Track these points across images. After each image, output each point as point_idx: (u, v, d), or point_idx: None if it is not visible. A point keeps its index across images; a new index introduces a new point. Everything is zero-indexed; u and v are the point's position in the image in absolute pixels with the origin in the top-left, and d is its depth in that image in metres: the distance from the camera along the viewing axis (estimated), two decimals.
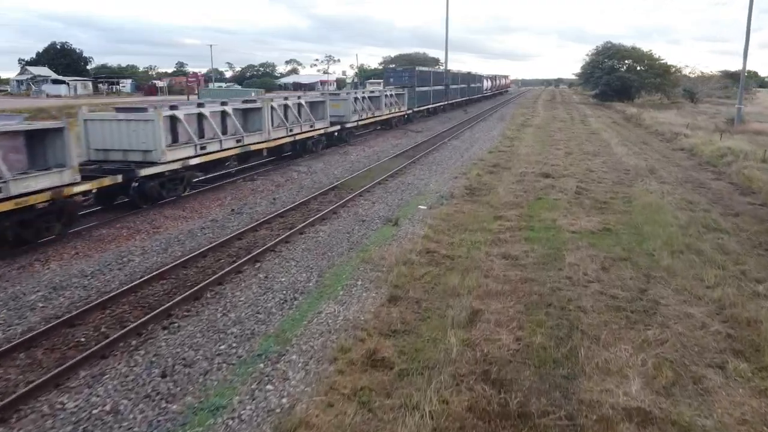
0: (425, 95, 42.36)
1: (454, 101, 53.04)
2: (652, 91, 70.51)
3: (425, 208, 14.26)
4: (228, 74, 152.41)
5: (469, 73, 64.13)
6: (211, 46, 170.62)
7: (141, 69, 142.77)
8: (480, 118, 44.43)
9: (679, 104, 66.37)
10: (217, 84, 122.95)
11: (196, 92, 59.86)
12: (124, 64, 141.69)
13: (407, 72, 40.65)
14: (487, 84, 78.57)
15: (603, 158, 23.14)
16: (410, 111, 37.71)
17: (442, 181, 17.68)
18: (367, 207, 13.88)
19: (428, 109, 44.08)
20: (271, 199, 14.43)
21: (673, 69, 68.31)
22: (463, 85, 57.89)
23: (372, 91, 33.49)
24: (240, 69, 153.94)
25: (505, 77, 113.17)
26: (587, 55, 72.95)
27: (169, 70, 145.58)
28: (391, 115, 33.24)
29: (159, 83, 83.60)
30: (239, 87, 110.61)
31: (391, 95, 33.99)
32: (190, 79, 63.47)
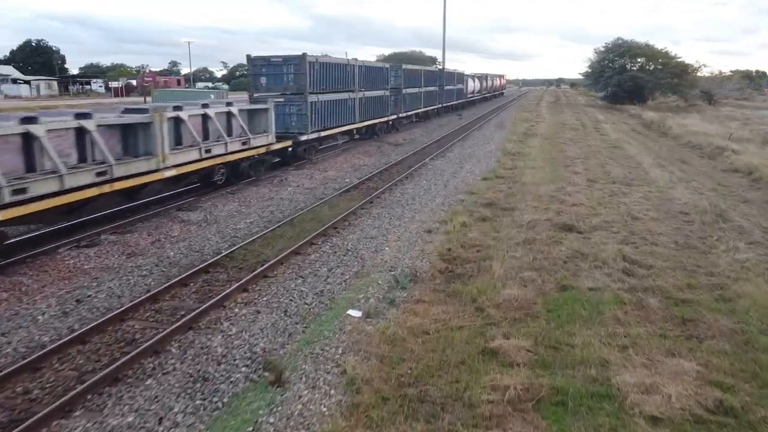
0: (338, 108, 23.12)
1: (411, 112, 35.71)
2: (667, 93, 63.95)
3: (358, 316, 7.74)
4: (222, 73, 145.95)
5: (441, 70, 46.77)
6: (189, 43, 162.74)
7: (134, 68, 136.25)
8: (475, 126, 37.83)
9: (697, 107, 59.91)
10: (203, 84, 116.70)
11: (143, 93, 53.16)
12: (119, 64, 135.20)
13: (293, 64, 20.15)
14: (473, 85, 62.15)
15: (641, 189, 16.60)
16: (293, 143, 19.31)
17: (406, 242, 11.15)
18: (242, 325, 7.30)
19: (348, 131, 25.38)
20: (74, 302, 7.86)
21: (691, 69, 61.70)
22: (430, 88, 40.24)
23: (126, 115, 12.48)
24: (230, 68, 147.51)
25: (500, 77, 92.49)
26: (595, 52, 66.36)
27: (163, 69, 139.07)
28: (187, 168, 13.38)
29: (114, 84, 77.09)
30: (227, 87, 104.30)
31: (206, 117, 14.54)
32: (146, 79, 56.83)
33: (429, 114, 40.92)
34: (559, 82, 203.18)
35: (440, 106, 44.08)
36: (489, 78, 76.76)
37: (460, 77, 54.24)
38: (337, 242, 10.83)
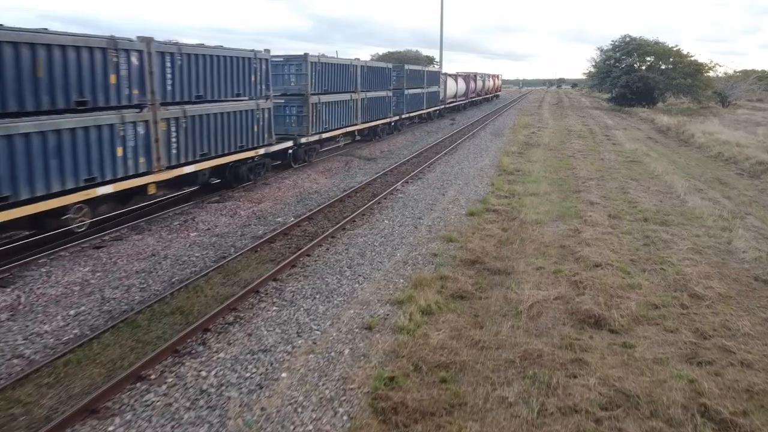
0: (82, 147, 10.07)
1: (335, 131, 22.06)
2: (679, 94, 59.22)
3: None
4: None
5: (400, 67, 32.11)
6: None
7: None
8: (469, 133, 33.19)
9: (711, 110, 55.30)
10: None
11: None
12: None
13: None
14: (455, 87, 47.60)
15: (685, 233, 11.98)
16: None
17: (322, 359, 6.53)
18: None
19: (126, 192, 11.49)
20: None
21: (705, 68, 56.91)
22: (378, 93, 26.74)
23: None
24: None
25: (494, 77, 75.38)
26: (600, 51, 61.50)
27: None
28: None
29: None
30: None
31: None
32: None
33: (378, 131, 27.74)
34: (561, 82, 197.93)
35: (398, 118, 30.69)
36: (478, 78, 60.56)
37: (434, 77, 39.81)
38: (190, 371, 6.16)
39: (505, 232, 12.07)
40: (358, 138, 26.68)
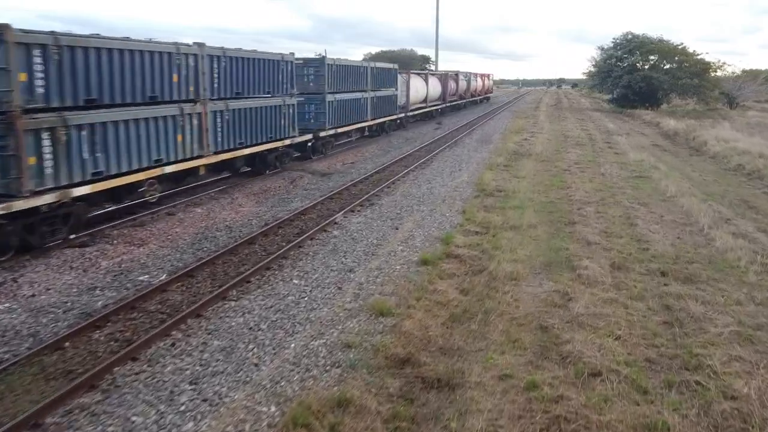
0: None
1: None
2: (686, 95, 55.54)
3: None
4: None
5: (319, 60, 21.09)
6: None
7: None
8: (452, 139, 29.50)
9: (719, 112, 51.66)
10: None
11: None
12: None
13: None
14: (424, 90, 36.67)
15: (717, 299, 8.36)
16: None
17: None
18: None
19: None
20: None
21: (714, 67, 53.22)
22: (251, 104, 15.68)
23: None
24: None
25: (483, 76, 64.39)
26: (600, 50, 57.72)
27: None
28: None
29: None
30: None
31: None
32: None
33: (267, 161, 17.47)
34: (560, 82, 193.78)
35: (311, 137, 20.65)
36: (461, 78, 49.31)
37: (387, 76, 28.81)
38: None
39: (464, 296, 8.45)
40: (222, 178, 16.15)
